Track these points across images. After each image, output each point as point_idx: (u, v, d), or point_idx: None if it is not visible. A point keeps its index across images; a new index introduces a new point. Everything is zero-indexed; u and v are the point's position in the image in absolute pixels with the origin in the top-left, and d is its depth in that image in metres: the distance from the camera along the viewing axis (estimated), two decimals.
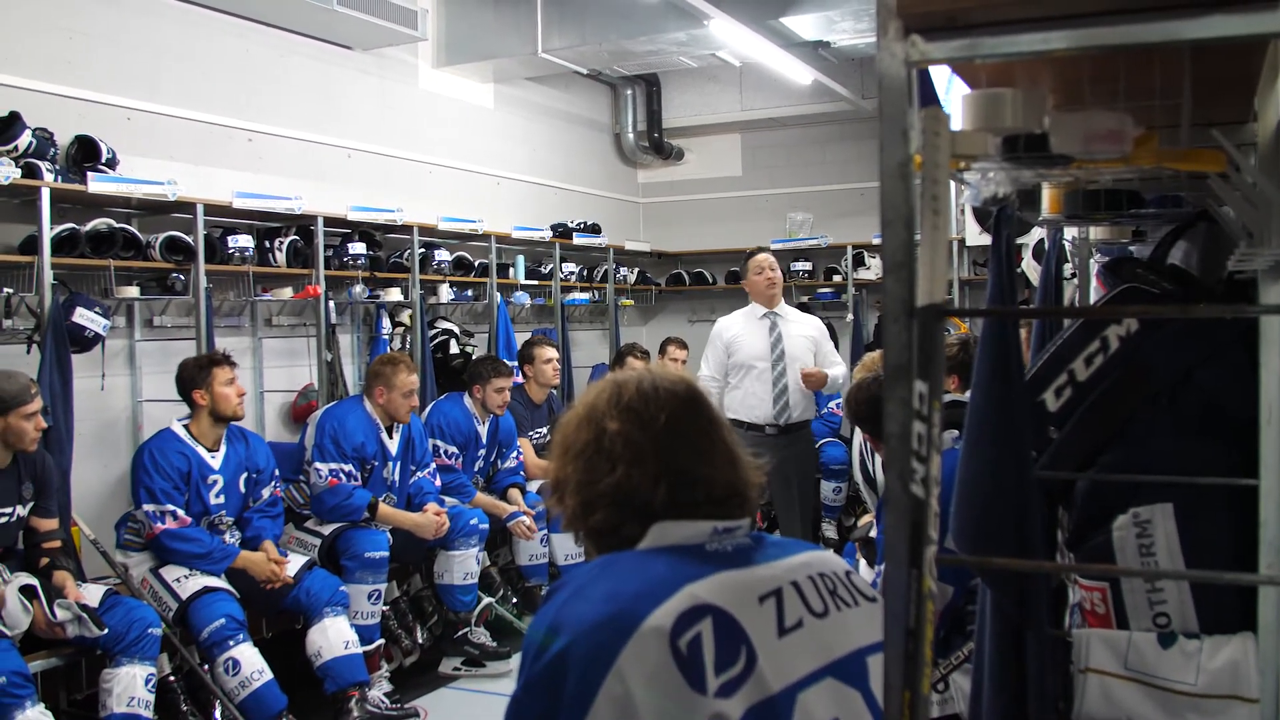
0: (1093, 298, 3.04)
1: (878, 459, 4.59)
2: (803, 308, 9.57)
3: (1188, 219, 2.50)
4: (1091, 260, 3.34)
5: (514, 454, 6.98)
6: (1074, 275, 3.72)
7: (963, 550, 1.98)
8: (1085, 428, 2.10)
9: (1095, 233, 3.10)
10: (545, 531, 6.73)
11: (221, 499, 5.22)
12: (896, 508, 1.25)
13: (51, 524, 4.72)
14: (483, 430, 6.78)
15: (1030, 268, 5.77)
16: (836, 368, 6.53)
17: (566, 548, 6.78)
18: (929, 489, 1.24)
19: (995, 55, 1.33)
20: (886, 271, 1.25)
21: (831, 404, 8.78)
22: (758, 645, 1.51)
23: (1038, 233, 4.58)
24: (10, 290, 5.10)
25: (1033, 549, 1.94)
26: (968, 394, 2.09)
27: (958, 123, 1.47)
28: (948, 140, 1.29)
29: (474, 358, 7.31)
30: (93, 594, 4.58)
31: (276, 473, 5.57)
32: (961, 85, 1.93)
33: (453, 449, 6.59)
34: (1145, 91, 1.58)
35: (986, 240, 6.34)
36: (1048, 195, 2.17)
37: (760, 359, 6.44)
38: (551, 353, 7.35)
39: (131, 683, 4.47)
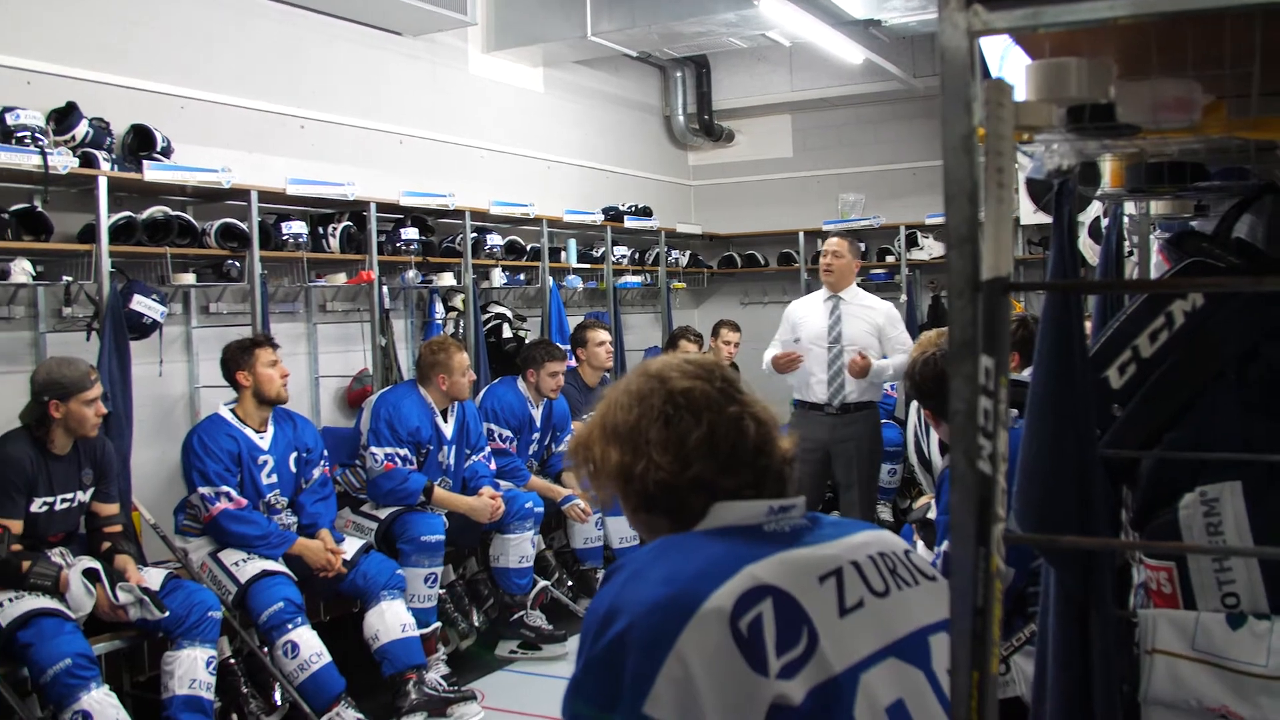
0: (1154, 273, 2.99)
1: (933, 440, 4.55)
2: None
3: (1253, 191, 2.45)
4: (1152, 236, 3.29)
5: (567, 437, 6.99)
6: (1132, 253, 3.67)
7: (1025, 530, 1.95)
8: (1150, 405, 2.06)
9: (1155, 208, 3.05)
10: (600, 515, 6.74)
11: (274, 479, 5.27)
12: (963, 485, 1.23)
13: (112, 509, 4.79)
14: (537, 414, 6.79)
15: (1087, 247, 5.68)
16: (900, 355, 6.46)
17: (621, 531, 6.79)
18: (996, 465, 1.22)
19: (1059, 24, 1.31)
20: (950, 246, 1.23)
21: (886, 385, 8.72)
22: (819, 625, 1.50)
23: (1093, 212, 4.50)
24: (69, 278, 5.17)
25: (1096, 529, 1.91)
26: (1028, 372, 2.06)
27: (1020, 94, 1.44)
28: (1011, 111, 1.27)
29: (527, 342, 7.33)
30: (153, 578, 4.64)
31: (325, 453, 5.62)
32: (1017, 60, 1.90)
33: (507, 433, 6.61)
34: (1214, 60, 1.54)
35: (1042, 219, 6.25)
36: (1109, 168, 2.13)
37: (819, 341, 6.49)
38: (604, 336, 7.36)
39: (193, 665, 4.53)
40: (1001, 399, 1.22)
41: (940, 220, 9.24)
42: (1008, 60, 2.14)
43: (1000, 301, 1.23)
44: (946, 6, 1.24)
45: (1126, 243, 3.71)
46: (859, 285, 6.79)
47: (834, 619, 1.53)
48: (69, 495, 4.59)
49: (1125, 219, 3.29)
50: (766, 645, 1.46)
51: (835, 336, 6.46)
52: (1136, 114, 1.38)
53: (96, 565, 4.51)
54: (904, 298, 9.42)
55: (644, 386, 1.71)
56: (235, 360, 5.21)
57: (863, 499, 6.43)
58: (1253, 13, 1.27)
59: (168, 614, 4.49)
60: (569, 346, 7.42)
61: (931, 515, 4.26)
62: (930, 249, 9.45)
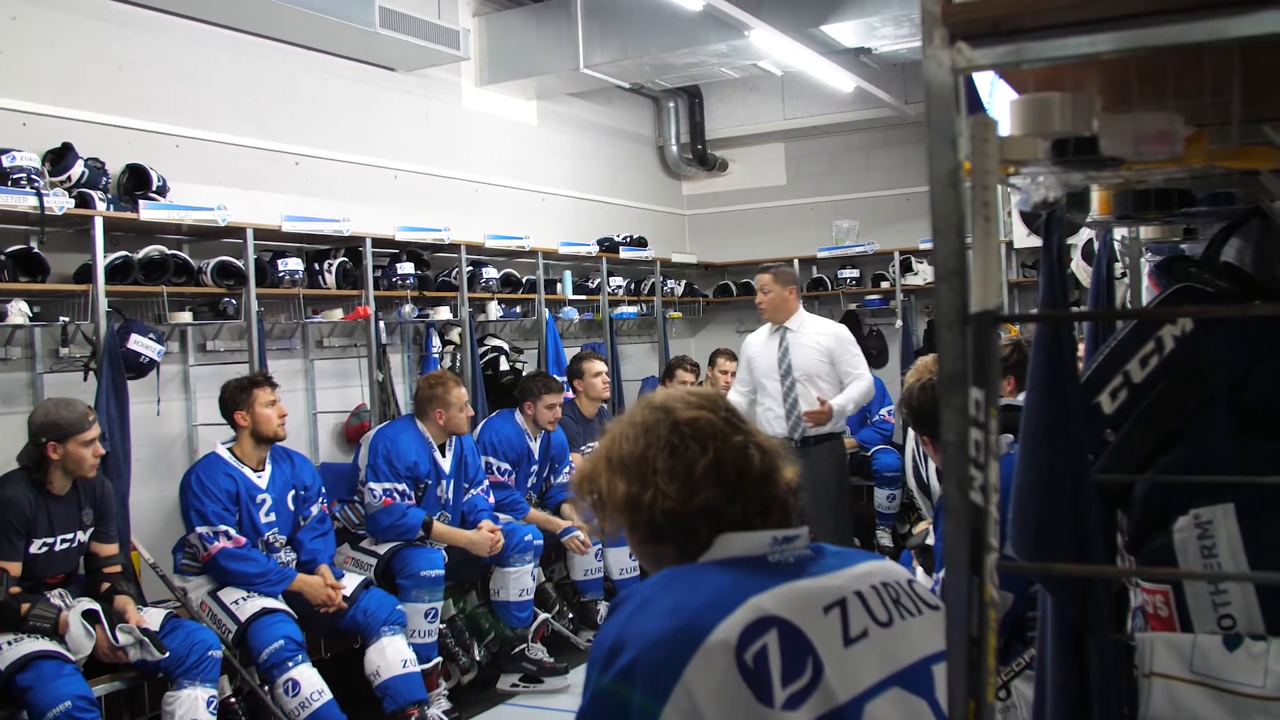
0: (1145, 298, 3.01)
1: (931, 465, 4.56)
2: (850, 315, 9.61)
3: (1240, 216, 2.47)
4: (1142, 260, 3.31)
5: (566, 469, 7.00)
6: (1124, 275, 3.69)
7: (1022, 557, 1.96)
8: (1142, 429, 2.08)
9: (1145, 232, 3.07)
10: (600, 547, 6.74)
11: (272, 517, 5.27)
12: (956, 515, 1.24)
13: (112, 549, 4.79)
14: (535, 446, 6.80)
15: (1080, 269, 5.71)
16: (857, 382, 6.47)
17: (621, 562, 6.80)
18: (988, 496, 1.24)
19: (1042, 60, 1.33)
20: (939, 279, 1.25)
21: (883, 411, 8.74)
22: (824, 656, 1.51)
23: (1086, 233, 4.54)
24: (66, 319, 5.19)
25: (1092, 553, 1.92)
26: (1022, 397, 2.07)
27: (1005, 128, 1.46)
28: (996, 146, 1.29)
29: (524, 374, 7.34)
30: (153, 618, 4.64)
31: (324, 489, 5.62)
32: (1004, 89, 1.93)
33: (505, 465, 6.62)
34: (1194, 90, 1.56)
35: (1035, 242, 6.28)
36: (1097, 196, 2.15)
37: (770, 375, 6.54)
38: (600, 367, 7.37)
39: (193, 705, 4.53)
40: (992, 430, 1.24)
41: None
42: (998, 89, 2.16)
43: (989, 334, 1.24)
44: (931, 44, 1.27)
45: (1119, 264, 3.74)
46: (805, 311, 6.79)
47: (838, 649, 1.54)
48: (68, 536, 4.59)
49: (1115, 243, 3.32)
50: (772, 676, 1.47)
51: (786, 369, 6.48)
52: (1120, 147, 1.40)
53: (96, 606, 4.51)
54: (899, 323, 9.46)
55: (649, 418, 1.72)
56: (233, 400, 5.22)
57: (837, 529, 6.35)
58: (1230, 46, 1.29)
59: (168, 654, 4.49)
60: (565, 378, 7.43)
61: (930, 541, 4.27)
62: (925, 274, 9.48)
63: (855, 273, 9.87)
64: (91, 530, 4.70)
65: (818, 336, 6.54)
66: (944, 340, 1.25)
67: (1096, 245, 3.01)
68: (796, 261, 9.76)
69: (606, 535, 1.79)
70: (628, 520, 1.71)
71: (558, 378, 7.12)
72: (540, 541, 6.28)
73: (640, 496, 1.67)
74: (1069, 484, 1.89)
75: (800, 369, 6.43)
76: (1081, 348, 2.92)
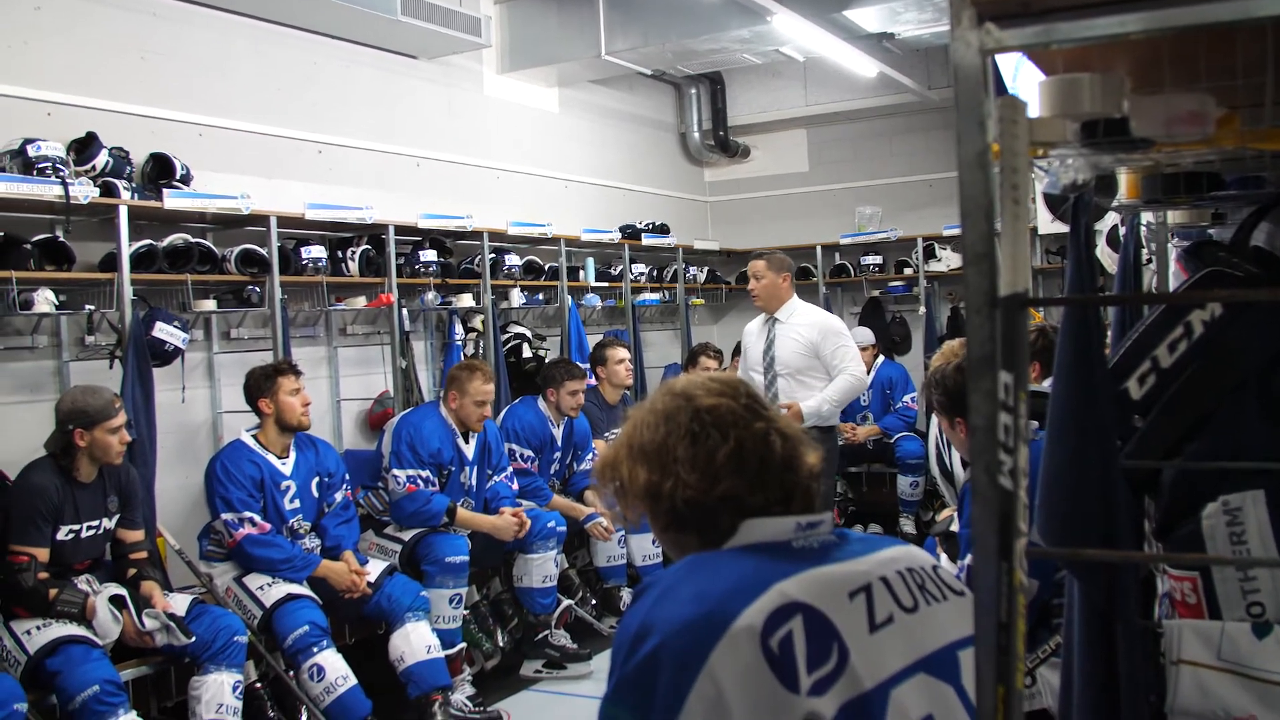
0: (1172, 283, 2.99)
1: (955, 451, 4.53)
2: (873, 302, 9.58)
3: (1271, 199, 2.45)
4: (1170, 245, 3.28)
5: (589, 455, 7.01)
6: (1150, 260, 3.66)
7: (1049, 543, 1.95)
8: (1170, 415, 2.06)
9: (1173, 217, 3.04)
10: (623, 533, 6.75)
11: (296, 504, 5.29)
12: (984, 500, 1.23)
13: (138, 535, 4.82)
14: (557, 433, 6.81)
15: (1105, 255, 5.67)
16: (840, 379, 6.16)
17: (644, 548, 6.81)
18: (1017, 481, 1.23)
19: (1071, 40, 1.32)
20: (967, 263, 1.24)
21: (906, 397, 8.72)
22: (849, 642, 1.50)
23: (1111, 219, 4.50)
24: (92, 307, 5.20)
25: (1120, 540, 1.91)
26: (1048, 383, 2.06)
27: (1034, 110, 1.45)
28: (1025, 128, 1.27)
29: (546, 361, 7.35)
30: (179, 603, 4.67)
31: (347, 476, 5.64)
32: (1028, 73, 1.91)
33: (528, 452, 6.63)
34: (1227, 71, 1.54)
35: (1059, 229, 6.23)
36: (1125, 179, 2.14)
37: (756, 366, 6.41)
38: (623, 354, 7.37)
39: (219, 690, 4.55)
40: (1021, 414, 1.23)
41: (958, 232, 9.22)
42: (1021, 71, 2.14)
43: (1018, 317, 1.23)
44: (959, 25, 1.25)
45: (1145, 250, 3.71)
46: (800, 301, 6.49)
47: (864, 635, 1.53)
48: (95, 523, 4.62)
49: (1143, 227, 3.29)
50: (797, 662, 1.46)
51: (769, 361, 6.33)
52: (1150, 128, 1.39)
53: (122, 592, 4.54)
54: (922, 309, 9.41)
55: (670, 405, 1.72)
56: (258, 388, 5.24)
57: None
58: (1263, 25, 1.28)
59: (194, 639, 4.52)
60: (588, 365, 7.43)
61: (955, 528, 4.25)
62: (948, 260, 9.44)
63: (878, 259, 9.83)
64: (118, 517, 4.73)
65: (802, 328, 6.29)
66: (973, 324, 1.24)
67: (1123, 231, 2.99)
68: (819, 248, 9.74)
69: (629, 522, 1.79)
70: (649, 508, 1.71)
71: (580, 365, 7.13)
72: (563, 528, 6.28)
73: (661, 485, 1.67)
74: (1097, 470, 1.88)
75: (781, 362, 6.27)
76: (1109, 335, 2.90)
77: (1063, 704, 2.05)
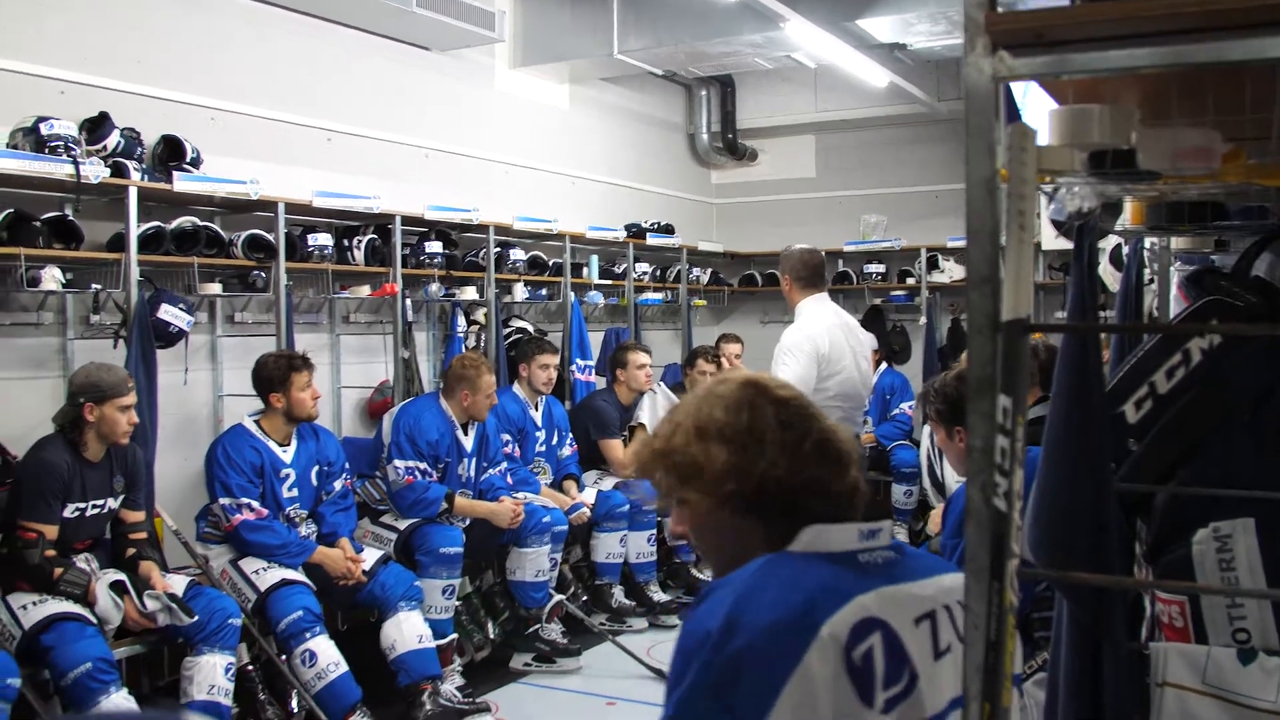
0: (1173, 309, 3.01)
1: (946, 463, 4.56)
2: (874, 310, 9.59)
3: (1273, 230, 2.47)
4: (1172, 268, 3.31)
5: (569, 442, 7.09)
6: (1152, 281, 3.69)
7: (1039, 561, 1.97)
8: (1165, 440, 2.09)
9: (1176, 241, 3.06)
10: (625, 531, 6.79)
11: (295, 492, 5.32)
12: (978, 521, 1.26)
13: (138, 516, 4.84)
14: (536, 415, 6.86)
15: (1108, 273, 5.69)
16: None
17: (639, 547, 6.86)
18: (1011, 503, 1.25)
19: (1083, 72, 1.34)
20: (971, 286, 1.26)
21: (904, 405, 8.74)
22: (919, 666, 1.53)
23: (1114, 238, 4.53)
24: (99, 286, 5.22)
25: (1110, 561, 1.93)
26: (1039, 408, 2.08)
27: (1043, 137, 1.47)
28: (1034, 156, 1.30)
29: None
30: (177, 584, 4.70)
31: (347, 465, 5.67)
32: (1036, 94, 1.93)
33: (506, 436, 6.64)
34: (1235, 105, 1.57)
35: (1063, 245, 6.24)
36: (1130, 207, 2.16)
37: None
38: (645, 359, 7.39)
39: (212, 671, 4.58)
40: (1018, 437, 1.26)
41: (961, 243, 9.21)
42: (1030, 94, 2.17)
43: (1019, 342, 1.26)
44: (973, 51, 1.28)
45: (1147, 270, 3.74)
46: (808, 304, 5.57)
47: (930, 661, 1.55)
48: (100, 502, 4.65)
49: (1145, 250, 3.32)
50: (876, 678, 1.48)
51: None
52: (1157, 161, 1.41)
53: (122, 577, 4.56)
54: (923, 320, 9.44)
55: (744, 394, 1.70)
56: (270, 382, 5.25)
57: None
58: (1274, 63, 1.30)
59: (196, 618, 4.55)
60: (590, 362, 7.49)
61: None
62: (951, 272, 9.46)
63: (881, 268, 9.85)
64: (122, 497, 4.75)
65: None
66: (974, 345, 1.27)
67: (1125, 251, 3.01)
68: (823, 255, 9.71)
69: (666, 507, 1.77)
70: (723, 489, 1.66)
71: (552, 342, 7.19)
72: (564, 527, 6.33)
73: (748, 466, 1.65)
74: (1090, 491, 1.90)
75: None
76: (1106, 355, 2.92)
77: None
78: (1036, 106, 1.85)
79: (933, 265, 9.59)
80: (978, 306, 1.26)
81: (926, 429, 5.01)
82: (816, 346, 5.22)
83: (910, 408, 8.67)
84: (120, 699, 4.23)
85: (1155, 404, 2.09)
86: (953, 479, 4.51)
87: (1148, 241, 3.31)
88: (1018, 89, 2.27)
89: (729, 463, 1.65)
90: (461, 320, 7.30)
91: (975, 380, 1.26)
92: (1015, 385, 1.25)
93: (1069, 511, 1.92)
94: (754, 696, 1.44)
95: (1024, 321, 1.25)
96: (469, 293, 7.25)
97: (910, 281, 9.75)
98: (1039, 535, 1.97)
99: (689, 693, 1.49)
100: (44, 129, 4.96)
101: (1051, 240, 8.45)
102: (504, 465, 6.36)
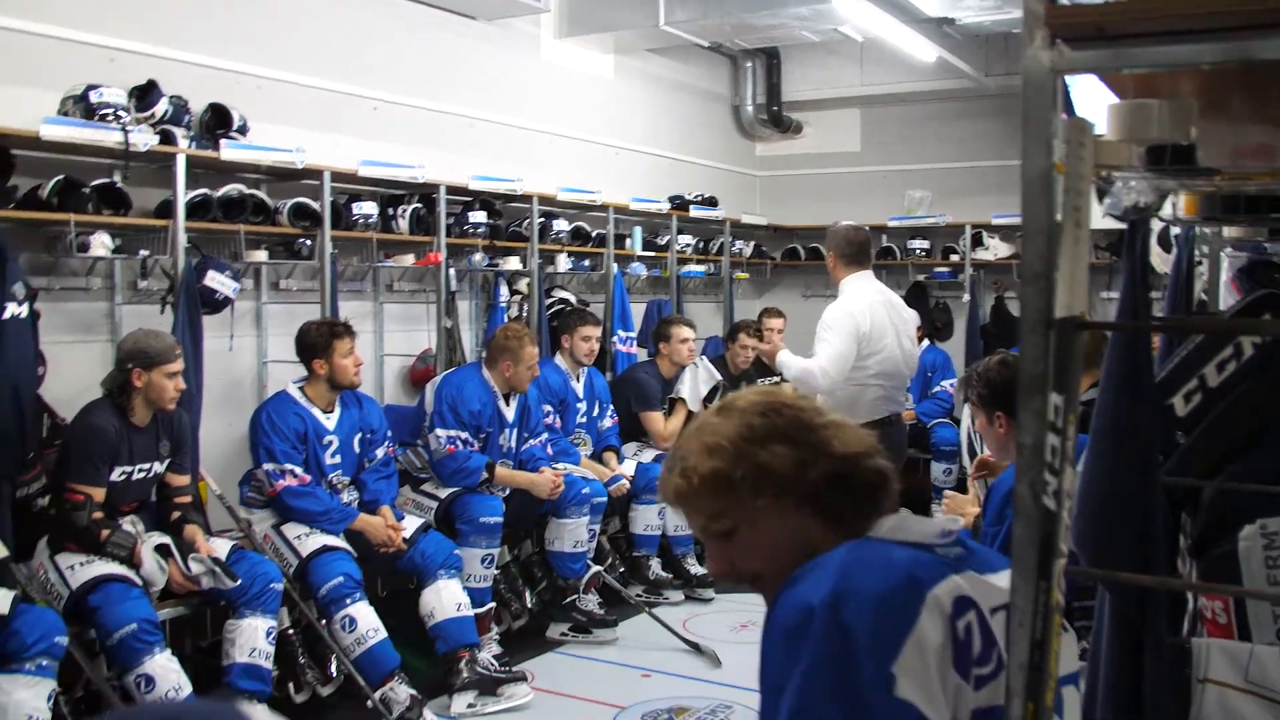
0: (1224, 299, 2.98)
1: (984, 444, 4.53)
2: (917, 286, 9.52)
3: None
4: (1223, 254, 3.26)
5: (610, 414, 7.12)
6: (1200, 262, 3.64)
7: (1082, 553, 1.96)
8: (1214, 435, 2.07)
9: (1228, 230, 3.03)
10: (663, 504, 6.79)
11: (337, 459, 5.36)
12: (1027, 519, 1.25)
13: (183, 480, 4.90)
14: (578, 387, 6.87)
15: (1156, 255, 5.63)
16: (813, 359, 5.31)
17: (677, 520, 6.85)
18: (1060, 501, 1.24)
19: (1144, 66, 1.32)
20: (1025, 282, 1.25)
21: (945, 383, 8.70)
22: (1004, 652, 1.52)
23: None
24: (146, 253, 5.28)
25: (1155, 555, 1.92)
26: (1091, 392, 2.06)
27: (1100, 130, 1.45)
28: (1092, 150, 1.28)
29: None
30: (220, 548, 4.76)
31: (389, 433, 5.70)
32: (1089, 81, 1.91)
33: (548, 407, 6.66)
34: None
35: (1110, 224, 6.18)
36: (1184, 198, 2.13)
37: None
38: (688, 333, 7.37)
39: (253, 634, 4.63)
40: (1069, 436, 1.25)
41: (1006, 220, 9.17)
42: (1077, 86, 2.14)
43: (1072, 339, 1.25)
44: (1032, 43, 1.26)
45: (1196, 252, 3.69)
46: (850, 282, 5.50)
47: (1005, 651, 1.55)
48: (146, 465, 4.71)
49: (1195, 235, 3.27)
50: (973, 653, 1.49)
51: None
52: (1218, 158, 1.40)
53: (167, 540, 4.63)
54: (967, 297, 9.37)
55: (759, 401, 1.69)
56: (313, 348, 5.28)
57: None
58: None
59: (239, 582, 4.61)
60: (632, 335, 7.50)
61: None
62: (995, 249, 9.39)
63: (925, 244, 9.79)
64: (169, 461, 4.81)
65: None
66: (1027, 343, 1.25)
67: (1175, 234, 2.97)
68: (867, 229, 9.65)
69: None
70: (804, 480, 1.63)
71: (594, 313, 7.21)
72: (603, 499, 6.35)
73: (813, 455, 1.63)
74: (1137, 485, 1.89)
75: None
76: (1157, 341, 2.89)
77: (1085, 712, 2.07)
78: (1085, 99, 1.82)
79: (977, 242, 9.51)
80: (1031, 303, 1.25)
81: (967, 408, 4.99)
82: (857, 324, 5.25)
83: (951, 385, 8.62)
84: (164, 660, 4.29)
85: (1205, 397, 2.07)
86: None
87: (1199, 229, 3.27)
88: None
89: (793, 457, 1.62)
90: (504, 290, 7.31)
91: (1027, 378, 1.25)
92: (1067, 384, 1.24)
93: (1115, 503, 1.91)
94: (873, 660, 1.44)
95: (1077, 319, 1.24)
96: (512, 263, 7.26)
97: (954, 258, 9.67)
98: (1083, 527, 1.96)
99: (811, 668, 1.46)
100: (93, 97, 5.00)
101: (1099, 219, 8.37)
102: (545, 436, 6.38)
